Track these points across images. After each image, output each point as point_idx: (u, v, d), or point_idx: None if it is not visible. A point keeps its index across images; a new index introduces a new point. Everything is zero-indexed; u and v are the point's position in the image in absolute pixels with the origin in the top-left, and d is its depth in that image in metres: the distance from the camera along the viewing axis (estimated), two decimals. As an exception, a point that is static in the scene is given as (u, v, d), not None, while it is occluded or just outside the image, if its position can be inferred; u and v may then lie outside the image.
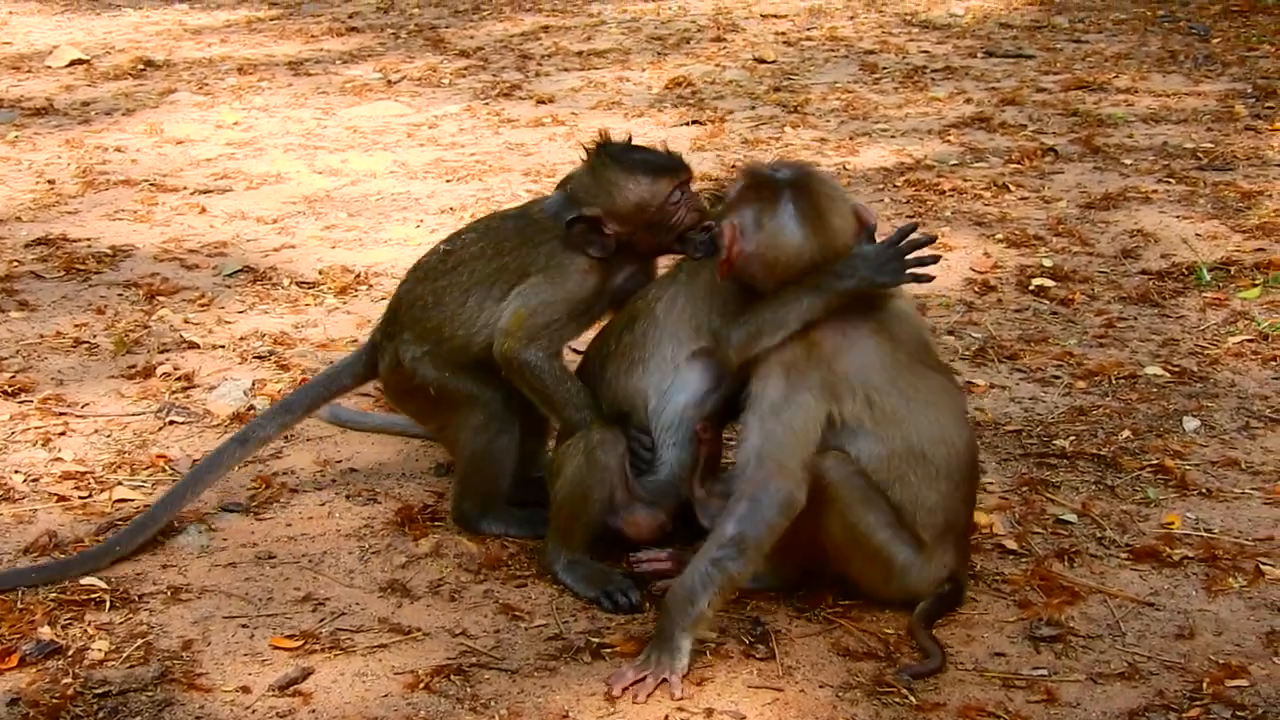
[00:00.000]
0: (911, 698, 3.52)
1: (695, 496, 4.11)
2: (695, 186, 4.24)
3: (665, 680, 3.53)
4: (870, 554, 3.74)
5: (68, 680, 3.53)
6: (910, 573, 3.77)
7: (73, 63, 10.23)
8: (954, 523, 3.80)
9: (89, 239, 6.66)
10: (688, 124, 8.49)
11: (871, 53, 10.21)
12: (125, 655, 3.65)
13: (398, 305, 4.45)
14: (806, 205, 3.79)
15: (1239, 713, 3.44)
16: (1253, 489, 4.45)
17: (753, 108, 8.81)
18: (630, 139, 4.28)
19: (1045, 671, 3.59)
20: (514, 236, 4.34)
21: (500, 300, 4.26)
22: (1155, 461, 4.59)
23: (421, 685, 3.55)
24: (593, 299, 4.27)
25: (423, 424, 4.67)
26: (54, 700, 3.44)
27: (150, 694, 3.51)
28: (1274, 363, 5.26)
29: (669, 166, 4.20)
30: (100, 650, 3.66)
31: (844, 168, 7.56)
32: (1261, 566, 4.02)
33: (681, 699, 3.48)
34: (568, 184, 4.35)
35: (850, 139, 8.08)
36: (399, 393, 4.54)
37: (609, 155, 4.22)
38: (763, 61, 10.01)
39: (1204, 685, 3.54)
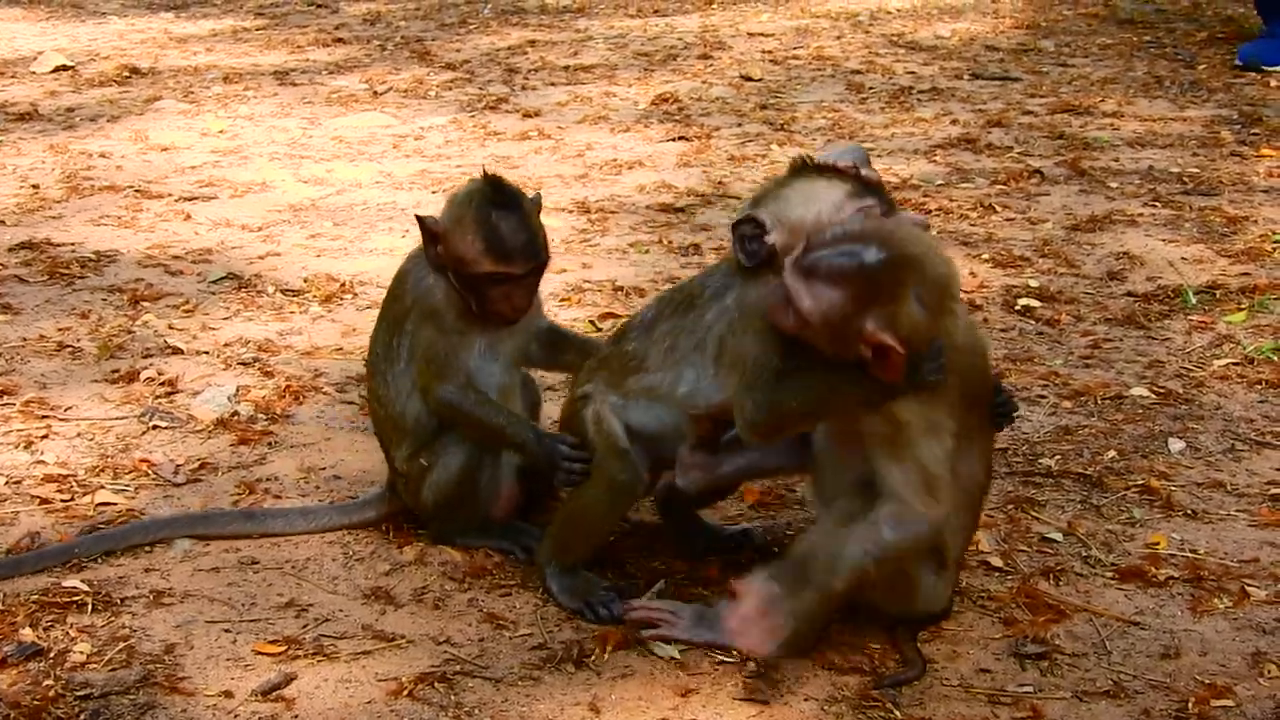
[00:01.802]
0: (897, 712, 3.52)
1: (679, 456, 4.04)
2: (682, 201, 4.25)
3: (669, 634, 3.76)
4: (906, 579, 3.75)
5: (49, 682, 3.51)
6: (934, 591, 3.79)
7: (58, 69, 10.22)
8: (968, 541, 3.88)
9: (73, 244, 6.65)
10: (673, 140, 8.50)
11: (858, 72, 10.22)
12: (107, 658, 3.63)
13: None
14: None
15: (1224, 732, 3.46)
16: (1238, 511, 4.45)
17: (739, 125, 8.82)
18: None
19: (1031, 689, 3.59)
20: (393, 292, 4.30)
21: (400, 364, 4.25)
22: (1141, 482, 4.60)
23: (405, 692, 3.53)
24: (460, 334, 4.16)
25: None
26: (35, 702, 3.42)
27: (132, 697, 3.49)
28: (1259, 386, 5.27)
29: (511, 253, 4.02)
30: (82, 653, 3.64)
31: (830, 186, 7.56)
32: (1246, 588, 4.03)
33: (668, 712, 3.48)
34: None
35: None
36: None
37: (482, 194, 4.08)
38: (749, 79, 10.02)
39: (1189, 705, 3.54)
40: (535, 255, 4.09)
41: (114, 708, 3.44)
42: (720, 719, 3.47)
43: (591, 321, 5.79)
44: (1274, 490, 4.56)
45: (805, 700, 3.53)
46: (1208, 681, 3.62)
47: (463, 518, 4.25)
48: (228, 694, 3.52)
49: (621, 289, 6.17)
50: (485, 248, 4.00)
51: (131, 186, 7.51)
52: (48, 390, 5.17)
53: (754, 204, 3.81)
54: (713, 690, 3.58)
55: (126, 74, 10.10)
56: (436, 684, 3.57)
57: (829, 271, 3.44)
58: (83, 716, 3.41)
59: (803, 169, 3.82)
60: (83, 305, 5.94)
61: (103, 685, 3.52)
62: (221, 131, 8.62)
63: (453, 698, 3.53)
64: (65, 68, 10.25)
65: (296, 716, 3.46)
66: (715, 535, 4.33)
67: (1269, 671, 3.67)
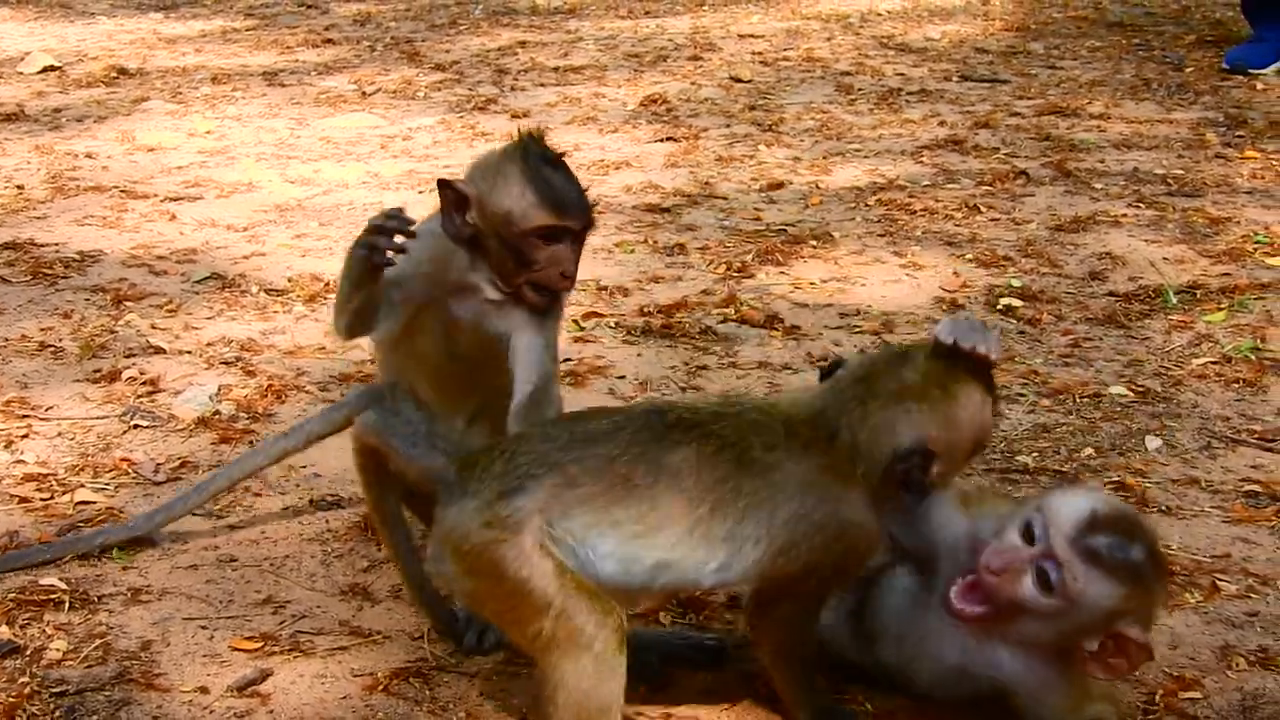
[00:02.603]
0: (869, 705, 3.56)
1: None
2: (668, 201, 4.14)
3: None
4: None
5: (25, 679, 3.54)
6: None
7: (45, 69, 10.23)
8: None
9: (57, 244, 6.67)
10: (662, 140, 8.53)
11: (847, 74, 10.25)
12: (83, 655, 3.66)
13: None
14: None
15: (1191, 725, 3.50)
16: (1212, 508, 4.49)
17: (728, 125, 8.85)
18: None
19: (1002, 682, 3.62)
20: None
21: None
22: (1117, 479, 4.64)
23: (380, 687, 3.57)
24: None
25: None
26: (10, 699, 3.46)
27: (108, 694, 3.52)
28: (1236, 385, 5.31)
29: (570, 204, 3.72)
30: (58, 650, 3.67)
31: (816, 186, 7.61)
32: (1218, 583, 4.07)
33: (641, 706, 3.50)
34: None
35: (824, 158, 8.13)
36: None
37: (525, 149, 3.74)
38: (739, 80, 10.05)
39: (1157, 697, 3.58)
40: (589, 208, 3.80)
41: (89, 704, 3.48)
42: (694, 713, 3.50)
43: (576, 321, 5.81)
44: (1248, 487, 4.60)
45: (775, 702, 3.56)
46: (1176, 674, 3.67)
47: None
48: (203, 690, 3.55)
49: (605, 288, 6.20)
50: (539, 199, 3.68)
51: (117, 187, 7.53)
52: (29, 390, 5.19)
53: (903, 411, 3.32)
54: (686, 684, 3.61)
55: (114, 75, 10.12)
56: (412, 679, 3.61)
57: (1115, 565, 3.24)
58: (58, 713, 3.44)
59: (942, 352, 3.38)
60: (65, 305, 5.96)
61: (78, 682, 3.55)
62: (209, 132, 8.65)
63: (428, 692, 3.57)
64: (53, 68, 10.27)
65: (272, 712, 3.49)
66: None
67: (1237, 665, 3.71)
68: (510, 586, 3.16)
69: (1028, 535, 3.30)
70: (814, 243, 6.75)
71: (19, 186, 7.55)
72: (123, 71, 10.23)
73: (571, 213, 3.72)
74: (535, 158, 3.72)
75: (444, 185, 3.72)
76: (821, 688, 3.50)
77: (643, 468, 3.22)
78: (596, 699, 3.15)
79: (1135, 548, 3.26)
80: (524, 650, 3.28)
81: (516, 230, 3.67)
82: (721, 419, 3.33)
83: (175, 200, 7.35)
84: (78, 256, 6.51)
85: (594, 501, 3.20)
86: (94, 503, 4.44)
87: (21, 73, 10.21)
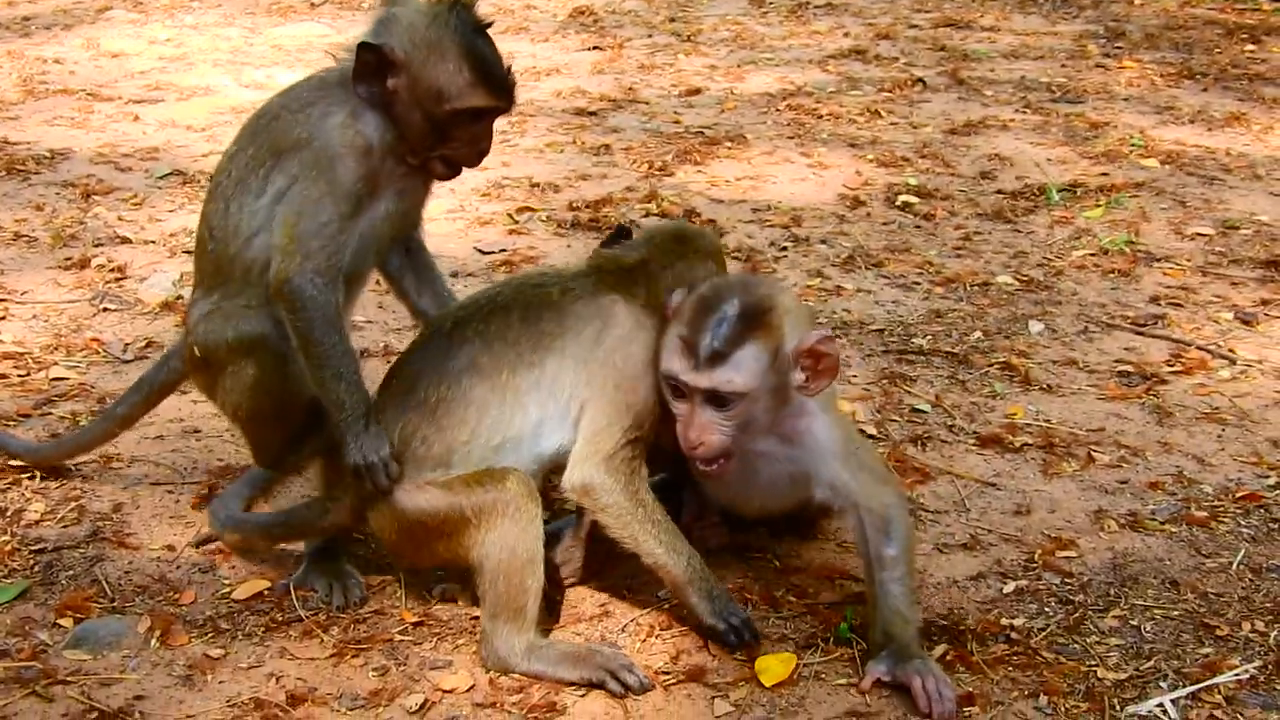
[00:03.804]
0: (776, 562, 3.59)
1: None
2: (595, 105, 3.98)
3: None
4: None
5: (5, 538, 3.54)
6: None
7: (14, -21, 10.05)
8: None
9: (29, 142, 6.57)
10: (589, 50, 8.47)
11: (760, -12, 10.21)
12: (60, 516, 3.66)
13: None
14: None
15: (1066, 580, 3.54)
16: (1088, 386, 4.54)
17: (649, 36, 8.80)
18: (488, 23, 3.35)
19: (896, 541, 3.66)
20: (278, 109, 3.38)
21: (258, 197, 3.31)
22: (1002, 360, 4.67)
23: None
24: (361, 198, 3.28)
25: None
26: (-7, 556, 3.46)
27: (83, 551, 3.52)
28: (1112, 275, 5.35)
29: (504, 86, 3.31)
30: (36, 512, 3.67)
31: (731, 92, 7.58)
32: (1093, 453, 4.12)
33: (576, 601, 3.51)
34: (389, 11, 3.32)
35: (738, 66, 8.10)
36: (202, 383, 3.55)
37: (458, 19, 3.27)
38: (660, -6, 9.99)
39: (1036, 555, 3.63)
40: (514, 87, 3.37)
41: (66, 560, 3.47)
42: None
43: (510, 214, 5.80)
44: (1121, 368, 4.65)
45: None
46: (1054, 535, 3.72)
47: (265, 444, 3.54)
48: (170, 547, 3.56)
49: (538, 185, 6.17)
50: (475, 79, 3.25)
51: (84, 90, 7.42)
52: (5, 275, 5.14)
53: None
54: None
55: (79, -16, 9.94)
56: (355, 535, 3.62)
57: (735, 339, 3.15)
58: (37, 568, 3.43)
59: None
60: (38, 198, 5.88)
61: (55, 540, 3.55)
62: (168, 40, 8.52)
63: (371, 545, 3.57)
64: (21, -22, 10.08)
65: (233, 566, 3.50)
66: None
67: (1109, 527, 3.76)
68: (416, 523, 3.26)
69: (677, 394, 3.19)
70: (729, 144, 6.74)
71: (-9, 88, 7.44)
72: (87, -19, 10.06)
73: (504, 95, 3.32)
74: (469, 30, 3.27)
75: (367, 48, 3.21)
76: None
77: (446, 383, 3.26)
78: (521, 552, 3.18)
79: (726, 308, 3.15)
80: (462, 564, 3.28)
81: (447, 108, 3.26)
82: (507, 291, 3.37)
83: (138, 103, 7.26)
84: (48, 154, 6.42)
85: (434, 433, 3.26)
86: (67, 379, 4.41)
87: (-9, -18, 10.03)
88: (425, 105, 3.25)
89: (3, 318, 4.83)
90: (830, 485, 3.28)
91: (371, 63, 3.21)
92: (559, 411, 3.28)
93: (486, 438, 3.27)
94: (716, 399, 3.15)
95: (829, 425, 3.28)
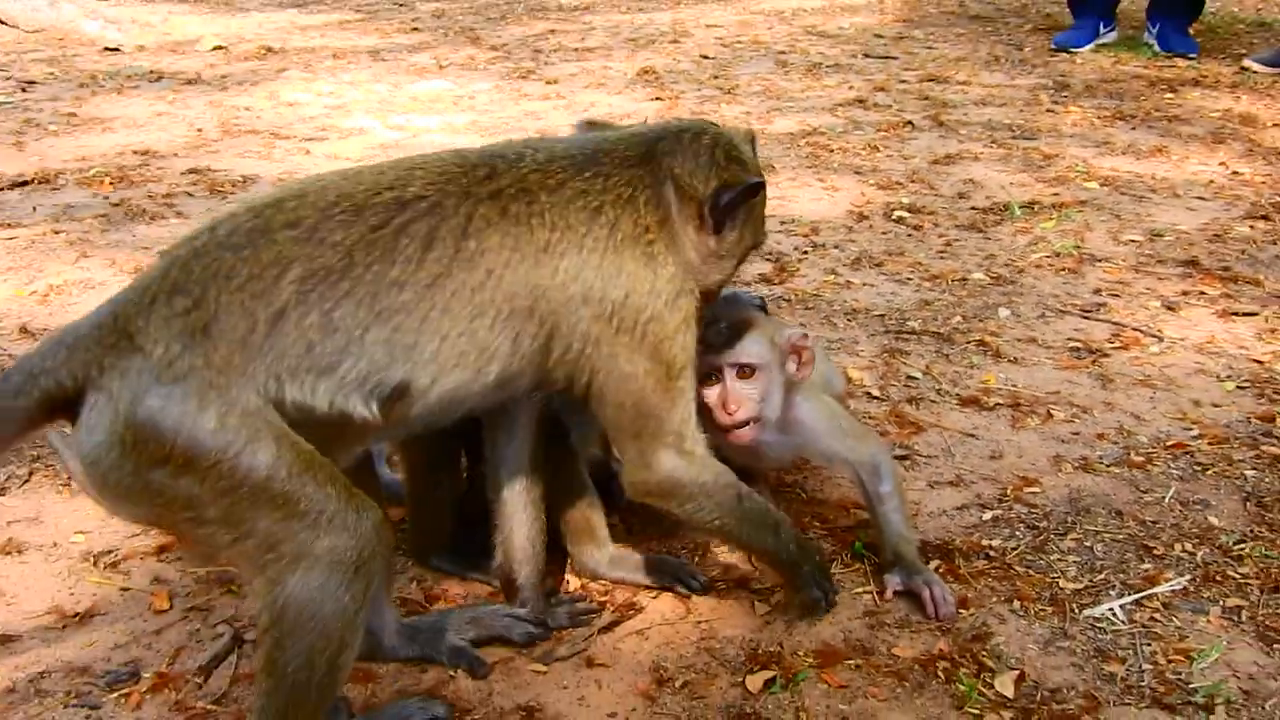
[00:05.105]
0: (803, 494, 3.52)
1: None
2: None
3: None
4: None
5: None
6: None
7: (214, 48, 10.02)
8: None
9: (226, 170, 6.55)
10: (652, 100, 8.37)
11: (784, 53, 10.05)
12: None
13: None
14: None
15: (1032, 510, 3.46)
16: (1046, 359, 4.44)
17: (699, 89, 8.69)
18: None
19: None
20: None
21: None
22: (978, 338, 4.58)
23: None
24: None
25: None
26: None
27: None
28: (1063, 272, 5.23)
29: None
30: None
31: (762, 132, 7.47)
32: (1051, 411, 4.02)
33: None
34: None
35: (767, 112, 7.99)
36: None
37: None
38: (706, 58, 9.85)
39: (1008, 491, 3.55)
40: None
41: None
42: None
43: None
44: (1072, 344, 4.54)
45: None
46: (1022, 475, 3.64)
47: None
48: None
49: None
50: None
51: (267, 130, 7.39)
52: (208, 273, 5.10)
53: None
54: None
55: (264, 52, 9.91)
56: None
57: (744, 326, 3.06)
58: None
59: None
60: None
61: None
62: (331, 93, 8.48)
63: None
64: (220, 47, 10.06)
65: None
66: None
67: (1065, 469, 3.67)
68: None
69: (708, 381, 3.03)
70: (762, 171, 6.64)
71: (198, 129, 7.41)
72: (270, 50, 10.03)
73: None
74: None
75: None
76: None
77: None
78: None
79: (737, 309, 3.12)
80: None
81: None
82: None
83: (309, 140, 7.22)
84: (241, 179, 6.40)
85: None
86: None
87: (198, 50, 10.01)
88: None
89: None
90: (824, 456, 3.22)
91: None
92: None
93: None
94: (741, 372, 3.05)
95: (813, 410, 3.20)
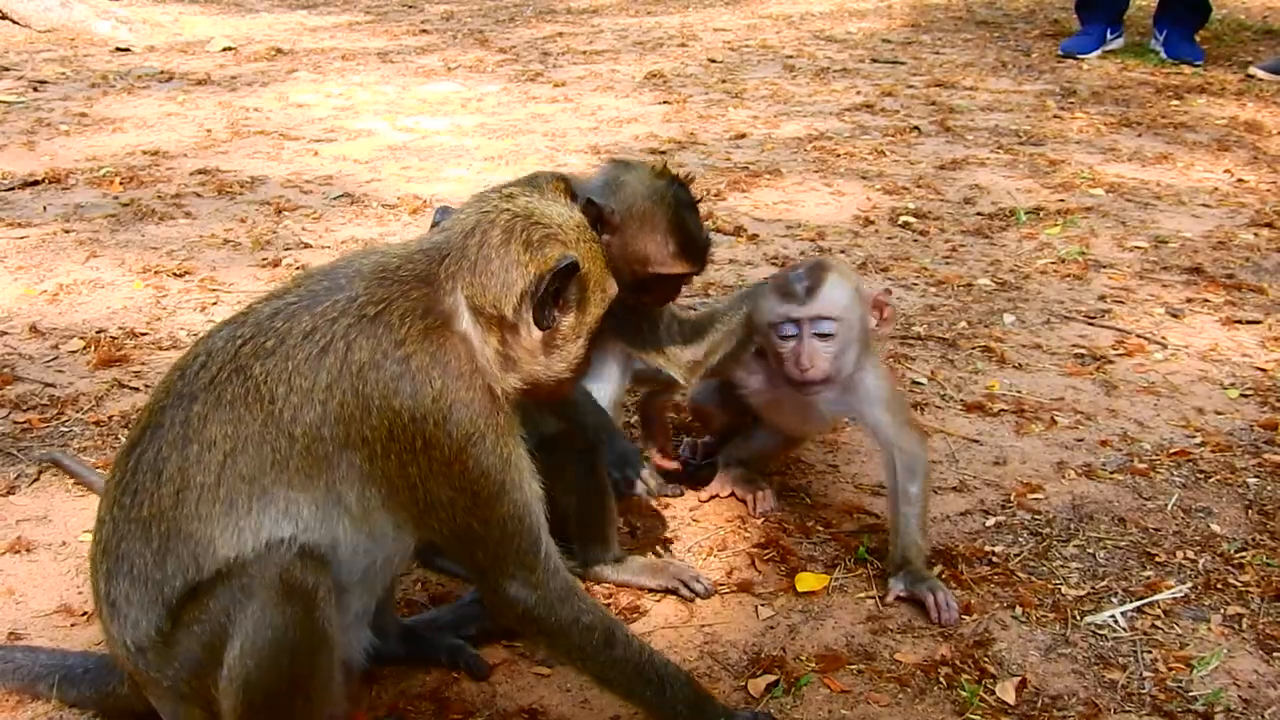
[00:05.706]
0: (808, 499, 3.52)
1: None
2: (664, 145, 3.78)
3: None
4: None
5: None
6: None
7: (224, 49, 10.04)
8: None
9: (235, 170, 6.56)
10: (660, 103, 8.38)
11: (791, 57, 10.06)
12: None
13: None
14: None
15: (1035, 516, 3.46)
16: (1051, 365, 4.44)
17: (706, 93, 8.69)
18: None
19: (902, 485, 3.58)
20: None
21: None
22: (983, 344, 4.58)
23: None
24: None
25: None
26: None
27: None
28: (1068, 278, 5.23)
29: (701, 255, 3.07)
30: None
31: (770, 137, 7.48)
32: (1055, 417, 4.03)
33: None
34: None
35: (775, 117, 7.99)
36: None
37: (674, 195, 3.01)
38: (714, 61, 9.85)
39: (1012, 497, 3.55)
40: (708, 250, 3.14)
41: None
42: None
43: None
44: (1076, 351, 4.55)
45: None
46: (1025, 481, 3.64)
47: None
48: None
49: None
50: (680, 251, 3.01)
51: (277, 132, 7.40)
52: (216, 271, 5.13)
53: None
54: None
55: (273, 53, 9.93)
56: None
57: (837, 281, 3.07)
58: None
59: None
60: (241, 213, 5.87)
61: None
62: (340, 94, 8.49)
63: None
64: (230, 48, 10.08)
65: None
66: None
67: (1068, 475, 3.68)
68: None
69: (785, 337, 3.05)
70: (768, 176, 6.64)
71: (208, 130, 7.42)
72: (279, 51, 10.04)
73: (699, 262, 3.08)
74: (681, 206, 3.02)
75: (591, 204, 2.83)
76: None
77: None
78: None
79: (817, 266, 3.09)
80: None
81: (650, 270, 3.01)
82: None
83: (317, 141, 7.23)
84: (249, 180, 6.41)
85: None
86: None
87: (208, 51, 10.02)
88: (631, 264, 2.97)
89: (215, 303, 4.81)
90: (874, 426, 3.20)
91: (591, 214, 2.78)
92: None
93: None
94: (821, 328, 3.02)
95: (878, 377, 3.21)
